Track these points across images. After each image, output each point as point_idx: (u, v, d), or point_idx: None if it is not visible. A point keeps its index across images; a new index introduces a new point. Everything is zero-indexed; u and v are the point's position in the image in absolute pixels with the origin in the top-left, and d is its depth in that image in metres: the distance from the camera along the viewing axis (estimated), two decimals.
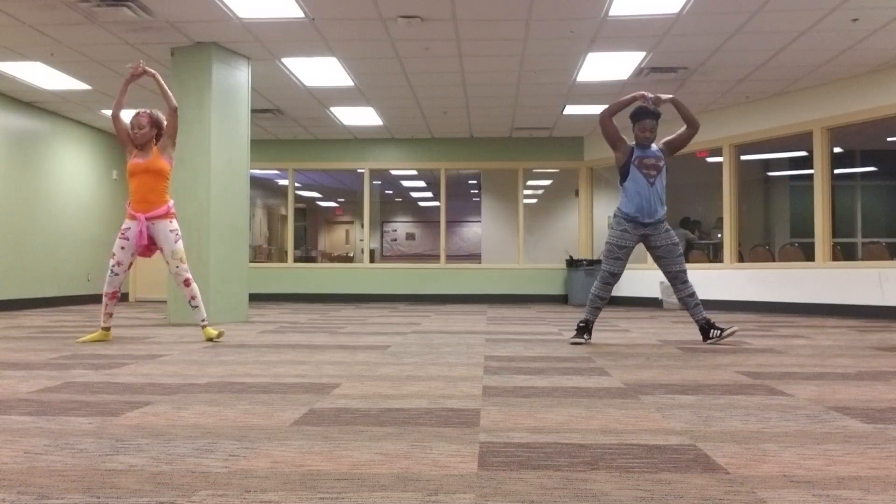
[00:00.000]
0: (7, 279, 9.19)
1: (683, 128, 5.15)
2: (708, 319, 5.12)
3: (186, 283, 5.17)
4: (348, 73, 8.12)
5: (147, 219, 5.07)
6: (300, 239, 20.32)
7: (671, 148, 5.16)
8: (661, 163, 5.07)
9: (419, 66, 7.89)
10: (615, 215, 5.17)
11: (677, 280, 5.08)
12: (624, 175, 5.11)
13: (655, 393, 3.07)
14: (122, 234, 5.10)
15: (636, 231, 5.05)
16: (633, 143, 5.12)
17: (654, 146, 5.12)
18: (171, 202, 5.19)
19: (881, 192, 13.17)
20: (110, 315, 5.19)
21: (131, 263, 5.17)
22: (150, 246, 5.16)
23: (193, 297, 5.20)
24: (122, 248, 5.08)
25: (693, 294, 5.10)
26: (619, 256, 5.07)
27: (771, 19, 6.40)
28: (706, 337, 5.11)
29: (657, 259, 5.13)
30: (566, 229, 12.81)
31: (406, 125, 11.14)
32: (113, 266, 5.07)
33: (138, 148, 5.17)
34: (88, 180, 11.01)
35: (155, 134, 5.18)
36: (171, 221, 5.14)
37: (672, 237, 5.08)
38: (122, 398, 2.91)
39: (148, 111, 5.23)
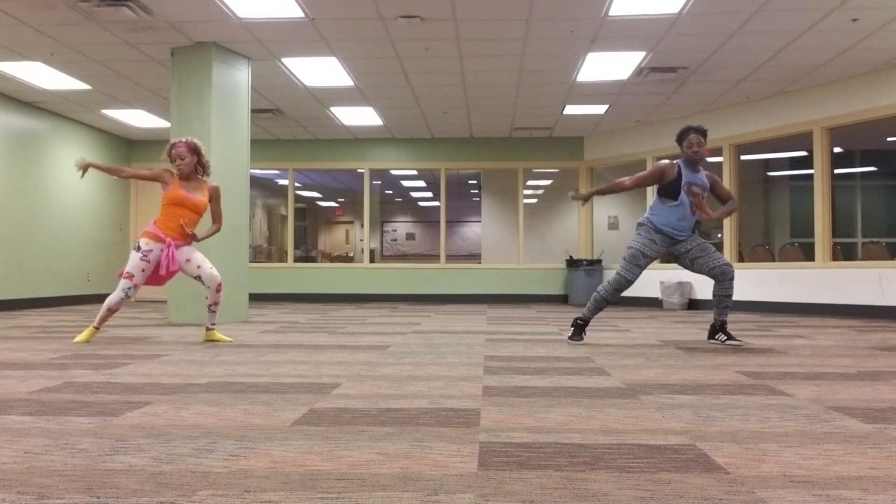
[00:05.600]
0: (7, 279, 9.19)
1: (731, 204, 5.20)
2: (724, 323, 5.05)
3: (219, 288, 5.07)
4: (348, 73, 8.12)
5: (178, 246, 5.04)
6: (300, 239, 20.31)
7: (713, 188, 5.09)
8: (706, 193, 5.03)
9: (419, 66, 7.89)
10: (645, 223, 5.05)
11: (724, 276, 4.89)
12: (670, 193, 4.95)
13: (655, 393, 3.07)
14: (145, 255, 4.95)
15: (664, 244, 5.00)
16: (681, 161, 5.01)
17: (702, 172, 5.04)
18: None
19: (881, 192, 13.17)
20: (105, 321, 5.13)
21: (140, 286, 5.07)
22: (162, 273, 5.06)
23: (216, 304, 5.12)
24: (143, 270, 4.94)
25: (730, 296, 4.94)
26: (640, 265, 4.99)
27: (771, 19, 6.40)
28: (711, 336, 5.10)
29: (694, 261, 4.98)
30: (566, 229, 12.81)
31: (406, 125, 11.14)
32: (128, 289, 4.90)
33: (182, 178, 5.05)
34: (88, 180, 10.98)
35: (196, 161, 5.05)
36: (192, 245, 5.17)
37: (697, 238, 5.04)
38: (122, 398, 2.91)
39: (185, 139, 5.07)
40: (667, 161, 5.07)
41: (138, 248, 4.97)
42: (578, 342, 5.10)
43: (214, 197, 5.19)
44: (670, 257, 5.22)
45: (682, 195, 4.95)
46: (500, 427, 2.40)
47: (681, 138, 5.05)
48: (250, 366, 3.90)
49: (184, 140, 5.06)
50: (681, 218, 4.98)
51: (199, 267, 5.06)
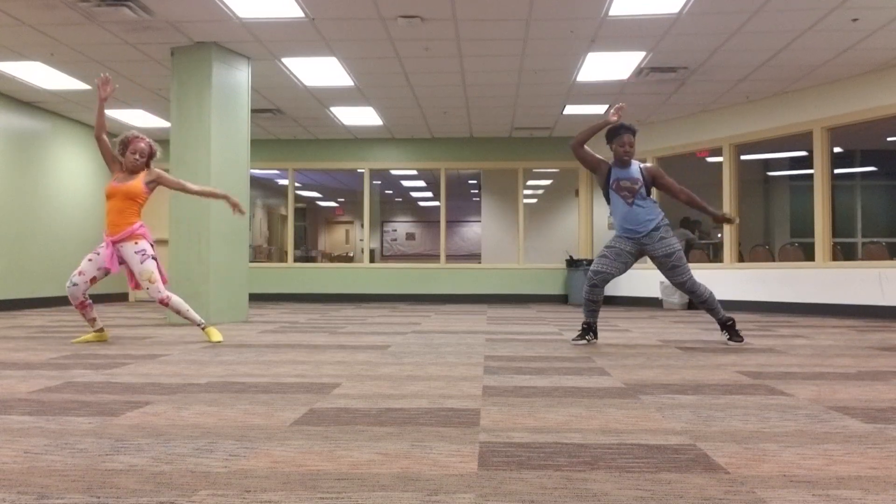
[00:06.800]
0: (7, 279, 9.19)
1: (682, 194, 5.03)
2: (725, 319, 5.01)
3: (163, 302, 4.94)
4: (348, 73, 8.12)
5: (114, 242, 4.92)
6: (300, 239, 20.31)
7: (655, 181, 5.05)
8: (638, 185, 4.96)
9: (419, 66, 7.89)
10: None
11: (683, 290, 4.97)
12: (607, 198, 5.12)
13: (655, 393, 3.07)
14: (96, 249, 4.97)
15: (629, 240, 5.02)
16: (612, 161, 5.05)
17: (634, 164, 5.04)
18: (137, 223, 4.95)
19: (881, 192, 13.18)
20: (94, 320, 5.07)
21: (95, 279, 4.93)
22: (128, 273, 5.01)
23: (179, 312, 5.02)
24: (90, 259, 4.92)
25: (706, 300, 4.92)
26: (605, 255, 5.02)
27: (771, 19, 6.40)
28: (722, 329, 5.07)
29: (663, 272, 5.03)
30: (566, 229, 12.81)
31: (406, 125, 11.14)
32: (73, 275, 4.89)
33: (125, 171, 5.02)
34: (88, 180, 11.00)
35: (144, 163, 5.04)
36: (135, 243, 4.93)
37: (666, 246, 4.91)
38: (122, 398, 2.91)
39: (149, 140, 5.06)
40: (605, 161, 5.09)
41: None
42: (580, 343, 5.10)
43: (160, 179, 5.06)
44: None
45: (612, 195, 5.03)
46: (500, 427, 2.40)
47: (611, 137, 5.04)
48: (250, 366, 3.90)
49: (148, 141, 5.06)
50: (623, 217, 5.00)
51: (143, 282, 4.93)
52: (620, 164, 5.03)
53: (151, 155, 5.07)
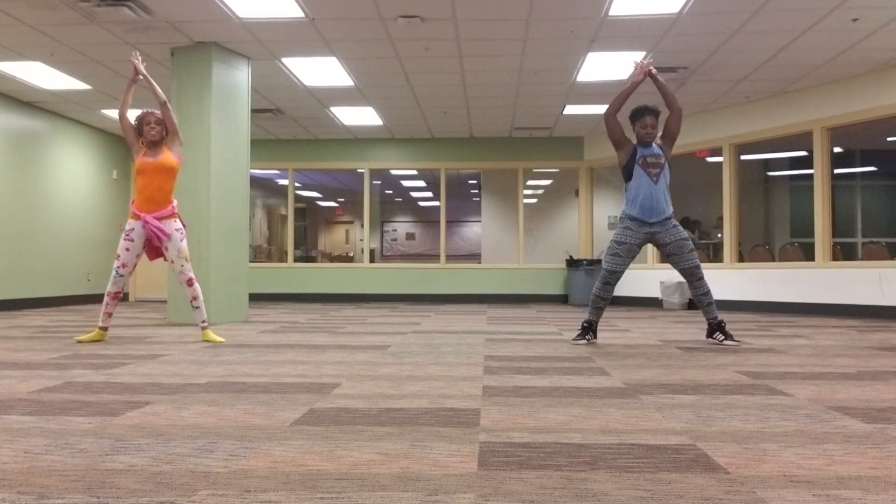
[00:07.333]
0: (7, 279, 9.19)
1: (667, 116, 5.13)
2: (719, 321, 5.06)
3: (189, 282, 5.16)
4: (348, 73, 8.12)
5: (154, 218, 5.08)
6: (300, 239, 20.31)
7: (668, 140, 5.14)
8: (663, 160, 5.06)
9: (419, 66, 7.89)
10: (620, 216, 5.16)
11: (692, 277, 4.99)
12: (627, 175, 5.10)
13: (655, 393, 3.07)
14: (127, 234, 5.10)
15: (641, 229, 5.02)
16: (635, 142, 5.12)
17: (654, 144, 5.12)
18: (175, 202, 5.22)
19: (881, 192, 13.17)
20: (110, 315, 5.18)
21: (135, 265, 5.18)
22: (156, 247, 5.17)
23: (195, 298, 5.19)
24: (127, 249, 5.08)
25: (707, 293, 5.01)
26: (618, 252, 5.03)
27: (771, 19, 6.40)
28: (710, 335, 5.10)
29: (668, 257, 5.06)
30: (566, 229, 12.80)
31: (406, 125, 11.14)
32: (118, 268, 5.07)
33: (148, 147, 5.18)
34: (88, 180, 11.01)
35: (163, 132, 5.24)
36: (175, 220, 5.16)
37: (681, 233, 5.03)
38: (122, 398, 2.91)
39: (157, 112, 5.28)
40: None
41: (123, 230, 5.18)
42: (580, 343, 5.10)
43: (169, 130, 5.23)
44: (662, 255, 5.22)
45: (637, 170, 5.03)
46: (500, 427, 2.40)
47: (634, 118, 5.09)
48: (250, 366, 3.90)
49: (157, 113, 5.26)
50: (645, 197, 5.01)
51: (171, 262, 5.15)
52: (643, 145, 5.09)
53: (163, 123, 5.24)
